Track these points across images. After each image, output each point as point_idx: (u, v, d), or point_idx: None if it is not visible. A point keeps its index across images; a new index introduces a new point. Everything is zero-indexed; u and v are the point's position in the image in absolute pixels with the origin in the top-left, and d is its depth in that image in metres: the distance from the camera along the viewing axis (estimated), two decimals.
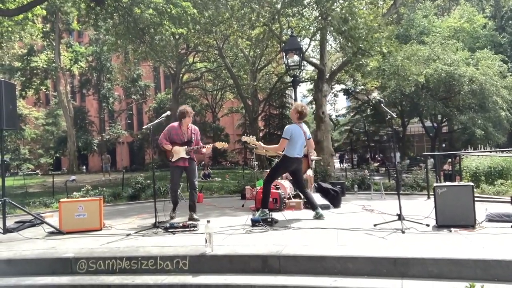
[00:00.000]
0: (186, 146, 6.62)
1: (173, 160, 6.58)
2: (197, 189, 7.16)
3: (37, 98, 38.37)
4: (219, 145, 6.86)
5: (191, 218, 6.51)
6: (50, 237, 5.76)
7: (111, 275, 4.33)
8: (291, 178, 8.74)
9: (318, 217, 6.30)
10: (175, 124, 6.69)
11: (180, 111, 6.69)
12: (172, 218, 6.75)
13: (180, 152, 6.58)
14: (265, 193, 6.52)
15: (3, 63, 32.11)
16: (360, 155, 48.99)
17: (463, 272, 3.62)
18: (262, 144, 7.00)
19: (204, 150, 6.75)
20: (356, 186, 11.15)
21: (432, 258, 3.78)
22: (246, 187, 10.34)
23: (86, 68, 39.90)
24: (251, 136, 6.87)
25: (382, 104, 5.83)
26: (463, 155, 11.96)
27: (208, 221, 4.44)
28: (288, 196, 7.92)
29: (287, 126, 6.53)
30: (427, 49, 23.34)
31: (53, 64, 32.63)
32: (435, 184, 5.56)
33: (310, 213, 6.60)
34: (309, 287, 3.75)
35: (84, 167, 43.19)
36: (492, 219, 5.41)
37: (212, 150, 7.05)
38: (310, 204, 6.70)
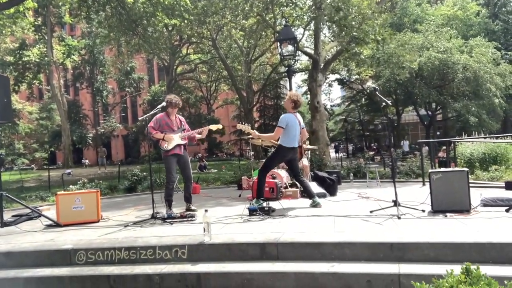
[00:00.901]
0: (180, 133, 6.49)
1: (168, 148, 6.32)
2: (192, 180, 7.08)
3: (30, 93, 38.09)
4: (214, 127, 6.82)
5: (188, 209, 6.52)
6: (48, 230, 5.76)
7: (110, 265, 4.36)
8: (287, 167, 8.82)
9: (315, 205, 6.34)
10: (163, 114, 6.49)
11: (167, 100, 6.51)
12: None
13: (174, 138, 6.37)
14: (260, 182, 6.52)
15: None
16: (355, 144, 49.19)
17: (459, 255, 3.67)
18: (256, 133, 6.97)
19: (198, 135, 6.65)
20: (351, 174, 11.22)
21: (428, 242, 3.83)
22: (243, 177, 10.37)
23: (79, 62, 39.64)
24: (246, 124, 6.86)
25: (377, 92, 5.85)
26: (457, 142, 12.04)
27: (206, 211, 4.46)
28: (284, 185, 7.96)
29: (282, 115, 6.51)
30: (420, 37, 23.39)
31: (46, 58, 32.32)
32: (430, 170, 5.61)
33: (307, 202, 6.64)
34: (307, 273, 3.79)
35: (87, 160, 42.95)
36: (486, 203, 5.47)
37: (207, 134, 6.81)
38: (306, 193, 6.74)
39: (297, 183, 7.53)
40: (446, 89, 26.00)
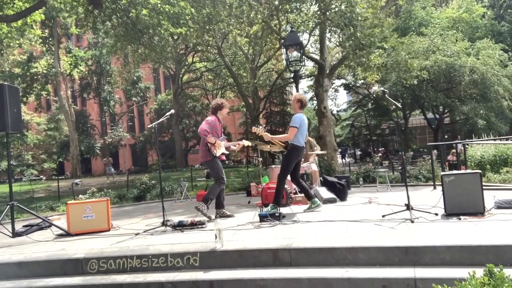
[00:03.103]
0: (224, 142, 6.58)
1: (217, 154, 6.36)
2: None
3: (38, 104, 38.40)
4: (246, 143, 6.99)
5: (220, 215, 6.50)
6: (59, 239, 5.77)
7: (122, 274, 4.33)
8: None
9: (315, 206, 6.33)
10: (215, 118, 6.52)
11: (216, 103, 6.64)
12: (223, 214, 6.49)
13: (222, 146, 6.46)
14: (279, 189, 6.46)
15: (3, 69, 32.15)
16: (362, 149, 48.94)
17: (476, 258, 3.61)
18: (269, 135, 6.79)
19: (233, 147, 6.83)
20: (361, 179, 11.15)
21: (444, 245, 3.76)
22: (251, 184, 10.34)
23: (86, 72, 39.93)
24: (260, 127, 6.79)
25: (386, 95, 5.82)
26: (467, 144, 11.94)
27: (217, 217, 4.44)
28: (294, 191, 7.92)
29: (295, 115, 6.48)
30: (426, 41, 23.31)
31: (53, 69, 32.64)
32: (442, 173, 5.54)
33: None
34: (321, 279, 3.74)
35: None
36: (500, 206, 5.39)
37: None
38: (305, 194, 6.70)
39: (297, 185, 7.08)
40: (454, 92, 25.84)
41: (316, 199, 6.45)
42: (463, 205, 5.09)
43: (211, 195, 6.47)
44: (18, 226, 6.69)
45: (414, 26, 27.59)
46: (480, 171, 5.27)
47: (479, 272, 2.29)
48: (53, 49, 33.14)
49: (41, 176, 41.49)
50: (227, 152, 6.67)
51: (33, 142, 43.20)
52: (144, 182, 11.95)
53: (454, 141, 16.14)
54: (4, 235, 5.95)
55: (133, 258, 4.42)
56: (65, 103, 34.63)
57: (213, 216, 6.37)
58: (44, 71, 32.86)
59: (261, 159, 9.92)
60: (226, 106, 6.70)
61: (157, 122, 6.30)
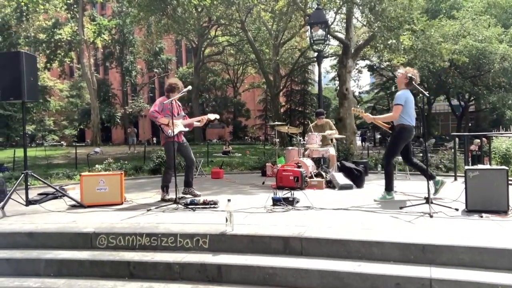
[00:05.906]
0: (181, 120, 6.47)
1: (173, 134, 6.19)
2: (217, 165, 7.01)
3: (62, 70, 38.68)
4: (212, 116, 6.76)
5: (187, 193, 6.56)
6: (71, 211, 5.77)
7: (131, 251, 4.29)
8: (313, 156, 8.60)
9: (440, 185, 5.87)
10: (165, 97, 6.41)
11: (170, 84, 6.42)
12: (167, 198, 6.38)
13: (178, 125, 6.33)
14: (388, 173, 6.04)
15: (28, 35, 32.29)
16: (382, 133, 48.11)
17: (498, 261, 3.42)
18: (370, 116, 6.24)
19: (197, 123, 6.68)
20: (379, 165, 10.89)
21: (464, 246, 3.58)
22: (267, 164, 10.22)
23: (109, 41, 39.90)
24: (358, 107, 6.32)
25: (414, 82, 5.54)
26: (494, 136, 11.52)
27: (229, 200, 4.33)
28: (310, 175, 7.77)
29: (399, 92, 5.91)
30: (457, 24, 22.44)
31: (77, 37, 32.69)
32: (466, 167, 5.30)
33: (332, 192, 6.45)
34: (332, 271, 3.62)
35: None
36: None
37: (206, 122, 6.82)
38: (424, 174, 5.96)
39: (412, 166, 6.49)
40: (481, 80, 25.01)
41: (438, 178, 5.95)
42: (485, 202, 4.86)
43: (164, 182, 6.47)
44: (34, 193, 6.74)
45: (446, 9, 26.60)
46: (507, 168, 5.00)
47: (499, 278, 2.11)
48: (78, 16, 33.11)
49: (62, 142, 42.28)
50: (187, 129, 6.55)
51: (55, 108, 43.86)
52: (160, 155, 11.92)
53: (480, 133, 15.65)
54: (18, 203, 5.98)
55: (143, 236, 4.37)
56: (87, 71, 34.80)
57: (170, 196, 6.29)
58: (68, 38, 32.92)
59: (278, 139, 9.75)
60: (177, 90, 6.37)
61: (174, 97, 6.18)
